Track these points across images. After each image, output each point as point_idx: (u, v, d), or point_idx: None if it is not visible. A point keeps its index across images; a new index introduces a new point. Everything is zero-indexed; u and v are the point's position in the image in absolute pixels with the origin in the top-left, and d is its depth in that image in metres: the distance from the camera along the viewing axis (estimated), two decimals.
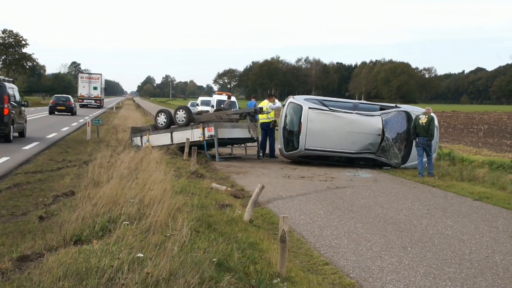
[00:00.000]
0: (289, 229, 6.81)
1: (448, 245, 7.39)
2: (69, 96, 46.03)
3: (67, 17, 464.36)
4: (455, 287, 5.77)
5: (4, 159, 14.17)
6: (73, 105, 43.25)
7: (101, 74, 63.95)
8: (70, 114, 41.81)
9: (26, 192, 9.64)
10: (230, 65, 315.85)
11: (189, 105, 41.45)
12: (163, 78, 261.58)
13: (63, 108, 41.96)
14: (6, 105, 17.70)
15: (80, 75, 67.66)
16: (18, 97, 20.09)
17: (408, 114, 15.66)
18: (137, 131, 17.70)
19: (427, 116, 14.07)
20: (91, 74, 65.50)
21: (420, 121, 14.03)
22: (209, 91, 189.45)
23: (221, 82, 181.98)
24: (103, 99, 67.27)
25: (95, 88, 61.48)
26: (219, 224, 7.02)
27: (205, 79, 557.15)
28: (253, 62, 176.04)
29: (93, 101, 61.22)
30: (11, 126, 18.36)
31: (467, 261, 6.70)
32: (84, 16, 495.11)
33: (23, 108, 19.74)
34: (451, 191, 11.94)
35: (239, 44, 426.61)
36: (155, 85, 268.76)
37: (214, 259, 5.20)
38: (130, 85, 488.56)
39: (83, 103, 59.60)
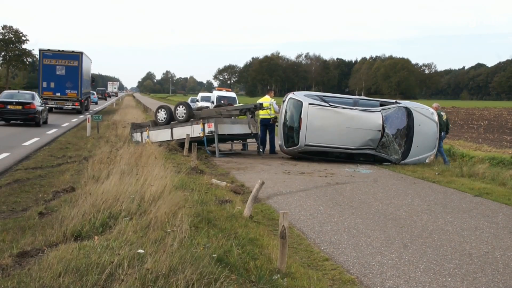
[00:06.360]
0: (289, 225, 6.81)
1: (448, 241, 7.40)
2: (105, 89, 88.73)
3: (67, 14, 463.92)
4: (455, 283, 5.77)
5: (4, 155, 14.17)
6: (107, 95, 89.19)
7: (118, 80, 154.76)
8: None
9: (26, 188, 9.64)
10: (230, 61, 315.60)
11: (189, 101, 41.45)
12: (163, 74, 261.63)
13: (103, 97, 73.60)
14: None
15: (108, 82, 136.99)
16: None
17: (408, 110, 15.64)
18: (137, 127, 17.70)
19: (445, 113, 16.04)
20: (113, 80, 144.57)
21: (444, 118, 15.83)
22: (209, 87, 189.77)
23: (221, 78, 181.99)
24: (118, 93, 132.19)
25: (115, 88, 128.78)
26: (219, 220, 7.02)
27: (205, 75, 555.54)
28: (253, 58, 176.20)
29: (114, 94, 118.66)
30: None
31: (467, 257, 6.70)
32: (84, 12, 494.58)
33: None
34: (451, 187, 11.93)
35: (239, 40, 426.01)
36: (155, 81, 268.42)
37: (214, 255, 5.19)
38: (130, 81, 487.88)
39: (109, 95, 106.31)
